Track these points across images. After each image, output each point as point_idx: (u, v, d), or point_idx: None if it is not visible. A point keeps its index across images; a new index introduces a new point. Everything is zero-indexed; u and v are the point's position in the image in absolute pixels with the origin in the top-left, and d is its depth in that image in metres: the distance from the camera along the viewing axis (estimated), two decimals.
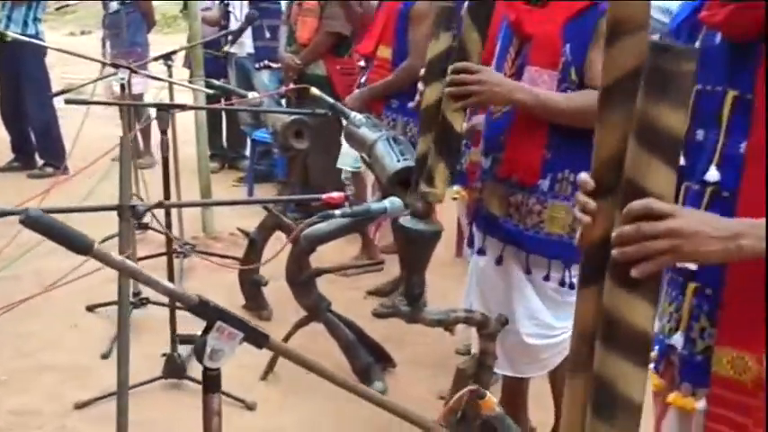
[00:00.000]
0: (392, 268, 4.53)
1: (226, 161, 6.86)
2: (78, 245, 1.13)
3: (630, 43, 1.33)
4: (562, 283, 2.56)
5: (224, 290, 4.28)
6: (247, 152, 6.93)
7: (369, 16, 4.33)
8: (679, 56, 1.21)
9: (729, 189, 1.50)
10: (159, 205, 2.10)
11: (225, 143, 6.95)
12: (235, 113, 5.87)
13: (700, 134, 1.54)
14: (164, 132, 3.04)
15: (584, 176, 1.39)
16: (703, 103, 1.54)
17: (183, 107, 3.26)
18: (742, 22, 1.48)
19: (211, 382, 1.22)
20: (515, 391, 2.92)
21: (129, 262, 1.20)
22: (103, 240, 4.42)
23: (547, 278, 2.56)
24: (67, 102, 3.11)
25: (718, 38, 1.56)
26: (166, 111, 3.05)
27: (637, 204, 1.23)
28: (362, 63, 4.58)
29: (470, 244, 2.89)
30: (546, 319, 2.61)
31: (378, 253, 4.63)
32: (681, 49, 1.22)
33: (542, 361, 2.69)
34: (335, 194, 2.45)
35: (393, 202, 2.45)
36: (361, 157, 3.42)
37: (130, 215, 2.11)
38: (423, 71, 2.51)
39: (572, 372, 1.38)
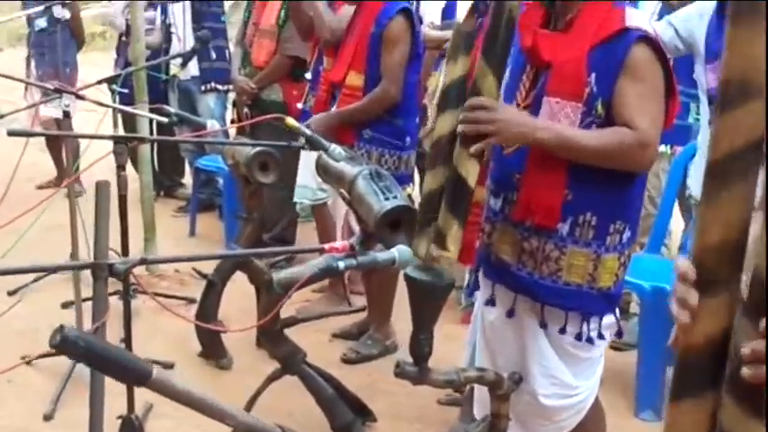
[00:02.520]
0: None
1: (161, 189, 6.44)
2: (134, 373, 0.83)
3: (751, 110, 1.10)
4: (578, 337, 2.31)
5: (174, 336, 3.92)
6: (184, 179, 6.59)
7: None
8: None
9: None
10: (142, 262, 1.77)
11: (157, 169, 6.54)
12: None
13: None
14: (122, 168, 2.68)
15: (683, 264, 1.14)
16: None
17: (142, 139, 2.91)
18: None
19: None
20: None
21: (195, 392, 0.89)
22: (65, 305, 3.97)
23: (563, 331, 2.31)
24: (10, 134, 2.72)
25: None
26: (125, 143, 2.70)
27: None
28: (308, 75, 4.29)
29: (471, 291, 2.63)
30: (564, 378, 2.35)
31: (347, 292, 4.32)
32: None
33: (559, 422, 2.43)
34: (339, 244, 2.17)
35: (402, 251, 2.18)
36: (340, 193, 3.13)
37: (108, 275, 1.77)
38: (436, 99, 2.27)
39: None
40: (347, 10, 3.96)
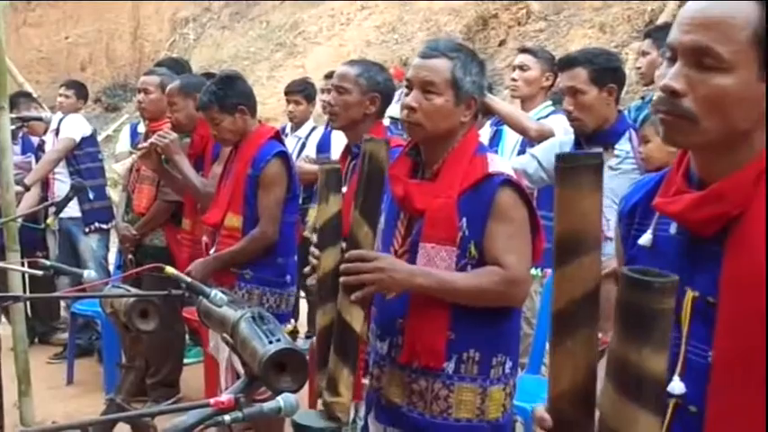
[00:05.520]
0: None
1: (35, 335, 6.18)
2: None
3: (586, 263, 1.22)
4: None
5: None
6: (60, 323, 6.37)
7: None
8: (661, 292, 1.09)
9: (696, 404, 1.35)
10: None
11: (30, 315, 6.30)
12: (51, 284, 5.33)
13: None
14: None
15: (540, 411, 1.25)
16: None
17: (17, 298, 2.83)
18: (700, 217, 1.36)
19: None
20: None
21: None
22: None
23: None
24: None
25: (674, 227, 1.44)
26: None
27: None
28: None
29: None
30: None
31: None
32: (662, 283, 1.09)
33: None
34: (224, 398, 2.16)
35: (287, 399, 2.20)
36: (223, 338, 3.12)
37: None
38: (314, 238, 2.35)
39: None
40: (216, 170, 4.06)
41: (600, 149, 3.20)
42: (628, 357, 1.10)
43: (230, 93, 3.78)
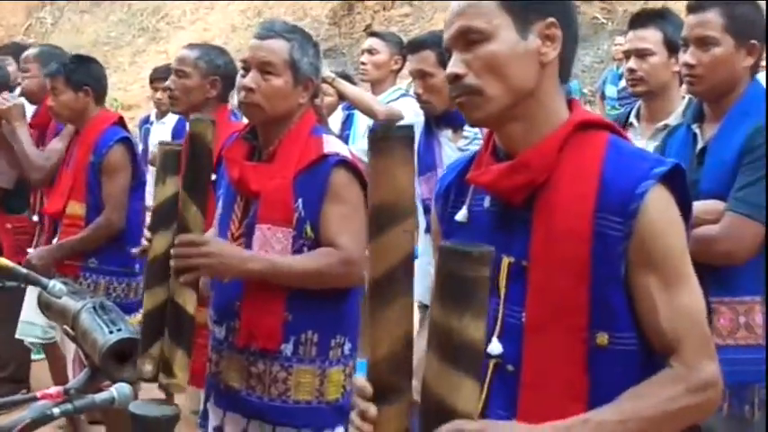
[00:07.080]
0: None
1: None
2: None
3: (400, 233, 1.26)
4: None
5: None
6: None
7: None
8: (478, 260, 1.15)
9: (513, 362, 1.44)
10: None
11: None
12: None
13: None
14: None
15: (360, 381, 1.28)
16: None
17: None
18: (510, 185, 1.45)
19: None
20: None
21: None
22: None
23: None
24: None
25: (488, 200, 1.52)
26: None
27: (448, 429, 1.17)
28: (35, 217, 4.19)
29: (202, 421, 2.61)
30: None
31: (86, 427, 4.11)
32: (478, 253, 1.15)
33: None
34: (53, 390, 2.09)
35: (120, 389, 2.15)
36: (64, 329, 3.02)
37: None
38: (148, 220, 2.29)
39: None
40: (54, 145, 3.94)
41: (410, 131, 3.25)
42: (449, 325, 1.15)
43: (81, 70, 3.69)
